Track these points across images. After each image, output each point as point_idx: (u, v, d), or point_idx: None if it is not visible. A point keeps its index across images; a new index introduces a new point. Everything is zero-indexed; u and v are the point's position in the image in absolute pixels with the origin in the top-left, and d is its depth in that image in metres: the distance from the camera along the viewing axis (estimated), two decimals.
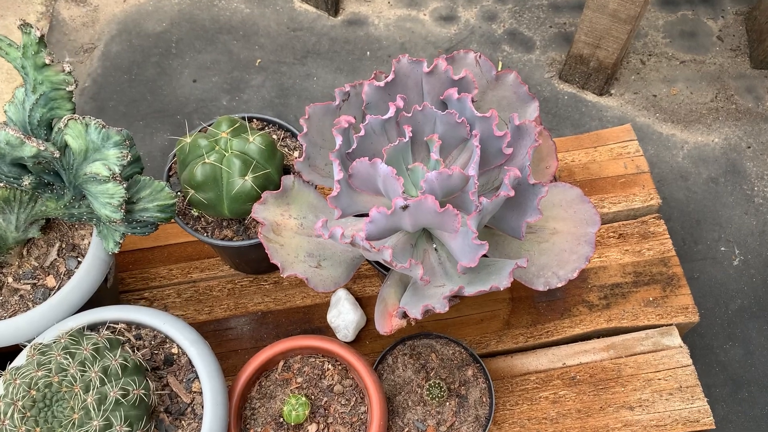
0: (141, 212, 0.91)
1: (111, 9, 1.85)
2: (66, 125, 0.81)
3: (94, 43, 1.80)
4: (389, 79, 0.93)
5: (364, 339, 1.14)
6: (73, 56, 1.78)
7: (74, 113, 0.83)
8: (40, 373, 0.78)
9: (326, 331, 1.15)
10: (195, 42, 1.79)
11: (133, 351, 0.85)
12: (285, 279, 1.19)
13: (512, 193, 0.82)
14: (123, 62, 1.76)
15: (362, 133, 0.89)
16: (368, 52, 1.78)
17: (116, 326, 0.91)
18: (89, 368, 0.78)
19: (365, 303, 1.17)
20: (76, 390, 0.77)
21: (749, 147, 1.65)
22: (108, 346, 0.82)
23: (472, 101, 0.91)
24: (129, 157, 0.84)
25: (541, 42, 1.80)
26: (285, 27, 1.82)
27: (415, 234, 0.98)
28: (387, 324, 0.91)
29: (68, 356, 0.79)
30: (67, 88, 0.82)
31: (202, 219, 1.04)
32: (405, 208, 0.82)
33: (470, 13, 1.84)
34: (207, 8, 1.85)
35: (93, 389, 0.77)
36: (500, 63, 1.76)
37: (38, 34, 0.77)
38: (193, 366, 0.89)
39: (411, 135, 0.89)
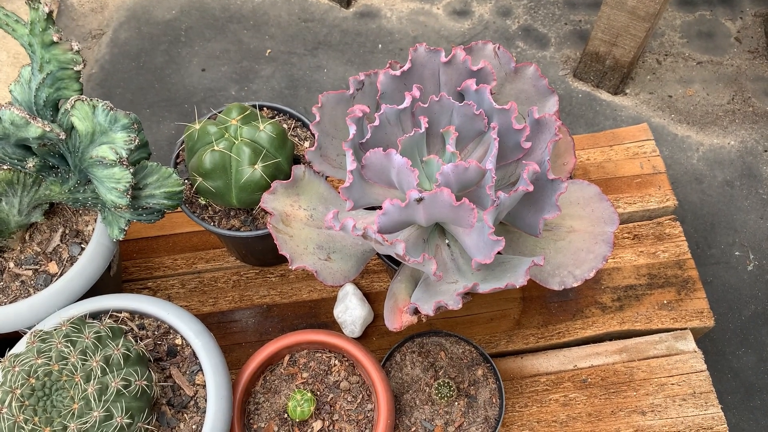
0: (147, 199, 0.88)
1: None
2: (73, 106, 0.79)
3: (102, 29, 1.78)
4: (405, 68, 0.90)
5: (371, 335, 1.11)
6: (81, 42, 1.76)
7: (81, 94, 0.81)
8: (39, 361, 0.75)
9: (332, 327, 1.12)
10: (205, 30, 1.77)
11: (136, 341, 0.83)
12: (292, 272, 1.16)
13: (531, 188, 0.79)
14: (131, 49, 1.74)
15: (377, 122, 0.87)
16: (380, 45, 1.76)
17: (119, 315, 0.89)
18: (90, 357, 0.76)
19: (373, 299, 1.14)
20: (76, 379, 0.75)
21: (766, 151, 1.62)
22: (110, 335, 0.79)
23: (491, 93, 0.88)
24: (137, 141, 0.82)
25: (556, 39, 1.77)
26: (296, 17, 1.79)
27: (428, 229, 0.95)
28: (397, 320, 0.89)
29: (69, 344, 0.77)
30: (75, 68, 0.79)
31: (209, 208, 1.01)
32: (420, 200, 0.79)
33: (484, 8, 1.81)
34: None
35: (94, 379, 0.75)
36: (514, 60, 1.73)
37: (46, 10, 0.74)
38: (197, 358, 0.87)
39: (427, 126, 0.86)
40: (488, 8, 1.81)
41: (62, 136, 0.78)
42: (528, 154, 0.89)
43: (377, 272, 1.17)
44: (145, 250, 1.19)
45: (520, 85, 0.96)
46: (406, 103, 0.87)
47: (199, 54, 1.73)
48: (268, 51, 1.74)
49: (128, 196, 0.83)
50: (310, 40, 1.76)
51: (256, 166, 0.93)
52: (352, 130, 0.86)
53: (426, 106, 0.88)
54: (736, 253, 1.49)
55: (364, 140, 0.87)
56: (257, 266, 1.17)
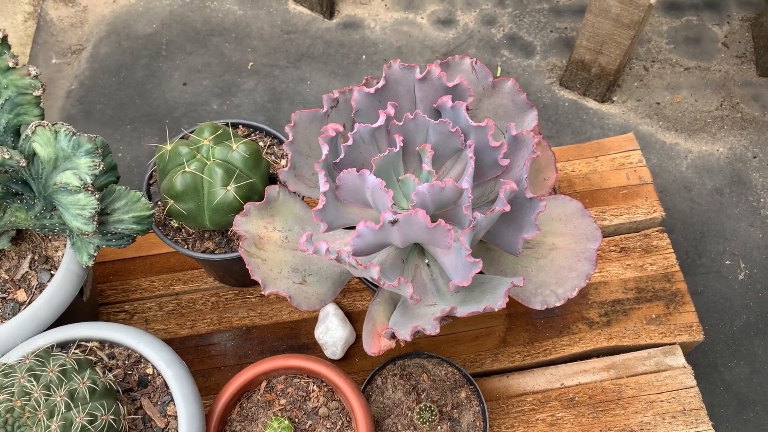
0: (115, 224, 0.86)
1: (100, 10, 1.80)
2: (34, 132, 0.76)
3: (82, 44, 1.75)
4: (379, 85, 0.88)
5: (354, 356, 1.09)
6: (60, 58, 1.73)
7: (43, 119, 0.78)
8: (1, 397, 0.73)
9: (314, 348, 1.09)
10: (186, 44, 1.75)
11: (104, 372, 0.80)
12: None
13: (508, 208, 0.77)
14: (111, 64, 1.72)
15: (350, 142, 0.84)
16: (364, 56, 1.74)
17: (88, 345, 0.86)
18: (54, 392, 0.73)
19: (355, 318, 1.12)
20: (39, 415, 0.72)
21: (755, 157, 1.60)
22: (76, 367, 0.76)
23: (467, 109, 0.86)
24: (102, 166, 0.79)
25: (542, 47, 1.75)
26: (278, 29, 1.77)
27: (407, 249, 0.93)
28: (375, 344, 0.86)
29: (32, 379, 0.74)
30: (34, 93, 0.77)
31: (183, 230, 0.99)
32: (394, 222, 0.77)
33: (469, 17, 1.80)
34: (199, 9, 1.80)
35: (57, 415, 0.72)
36: (499, 68, 1.71)
37: (0, 34, 0.72)
38: (168, 388, 0.84)
39: (402, 144, 0.84)
40: (473, 17, 1.79)
41: (23, 163, 0.76)
42: (506, 171, 0.86)
43: (359, 291, 1.15)
44: (121, 272, 1.17)
45: (498, 100, 0.93)
46: (381, 121, 0.85)
47: (181, 68, 1.71)
48: (251, 64, 1.72)
49: (94, 223, 0.81)
50: (292, 52, 1.74)
51: (228, 187, 0.91)
52: (325, 150, 0.83)
53: (401, 124, 0.85)
54: (727, 262, 1.47)
55: (337, 160, 0.85)
56: (236, 287, 1.14)
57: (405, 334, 0.80)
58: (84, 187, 0.78)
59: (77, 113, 1.65)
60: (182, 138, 1.01)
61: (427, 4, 1.82)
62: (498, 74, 1.70)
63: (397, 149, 0.83)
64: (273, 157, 1.05)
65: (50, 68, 1.72)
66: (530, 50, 1.74)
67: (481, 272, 0.94)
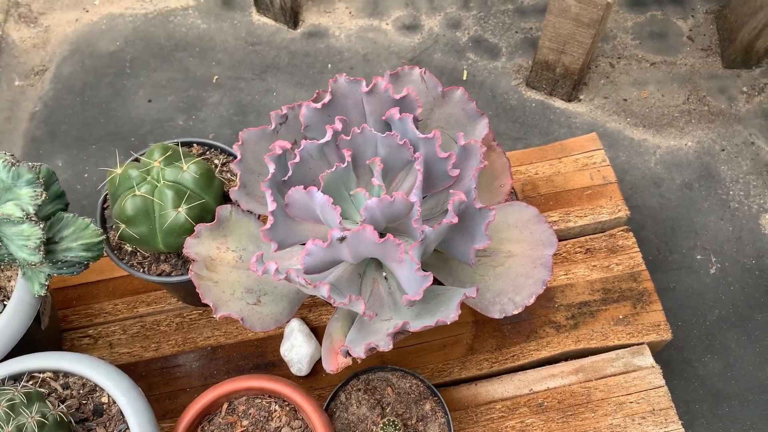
0: (64, 252, 0.84)
1: (63, 29, 1.79)
2: None
3: (45, 65, 1.74)
4: (326, 100, 0.87)
5: (320, 372, 1.08)
6: (23, 79, 1.72)
7: None
8: None
9: (280, 365, 1.08)
10: (150, 60, 1.73)
11: (57, 404, 0.79)
12: None
13: (455, 220, 0.77)
14: (75, 84, 1.70)
15: (297, 159, 0.83)
16: (329, 65, 1.73)
17: (40, 376, 0.85)
18: (2, 428, 0.72)
19: (321, 333, 1.11)
20: None
21: (723, 150, 1.60)
22: (25, 401, 0.75)
23: (417, 120, 0.86)
24: (45, 195, 0.78)
25: (507, 48, 1.75)
26: (243, 41, 1.76)
27: (363, 263, 0.92)
28: (333, 362, 0.85)
29: None
30: None
31: (138, 253, 0.97)
32: (342, 239, 0.76)
33: (434, 21, 1.79)
34: (162, 25, 1.78)
35: None
36: (465, 72, 1.71)
37: None
38: (124, 416, 0.83)
39: (350, 159, 0.83)
40: (437, 21, 1.79)
41: None
42: (458, 181, 0.86)
43: (325, 305, 1.14)
44: (84, 296, 1.15)
45: (449, 110, 0.93)
46: (328, 137, 0.84)
47: (145, 85, 1.70)
48: (216, 77, 1.71)
49: (41, 253, 0.80)
50: (257, 63, 1.73)
51: (180, 209, 0.90)
52: (271, 168, 0.82)
53: (349, 138, 0.85)
54: (698, 256, 1.47)
55: (286, 177, 0.84)
56: (200, 306, 1.13)
57: (359, 352, 0.79)
58: (27, 218, 0.77)
59: (42, 135, 1.63)
60: (134, 161, 1.00)
61: (391, 10, 1.81)
62: (464, 78, 1.70)
63: (345, 164, 0.83)
64: (229, 175, 1.04)
65: (13, 91, 1.70)
66: (496, 52, 1.74)
67: (440, 283, 0.94)
